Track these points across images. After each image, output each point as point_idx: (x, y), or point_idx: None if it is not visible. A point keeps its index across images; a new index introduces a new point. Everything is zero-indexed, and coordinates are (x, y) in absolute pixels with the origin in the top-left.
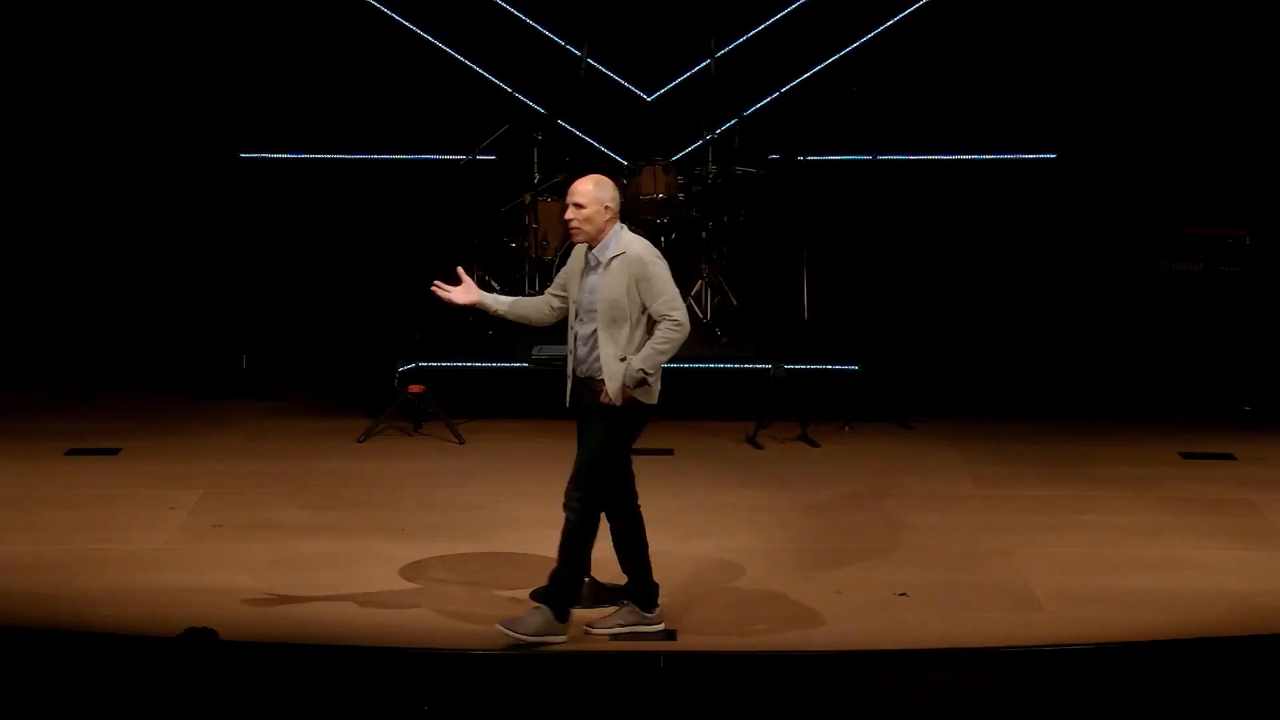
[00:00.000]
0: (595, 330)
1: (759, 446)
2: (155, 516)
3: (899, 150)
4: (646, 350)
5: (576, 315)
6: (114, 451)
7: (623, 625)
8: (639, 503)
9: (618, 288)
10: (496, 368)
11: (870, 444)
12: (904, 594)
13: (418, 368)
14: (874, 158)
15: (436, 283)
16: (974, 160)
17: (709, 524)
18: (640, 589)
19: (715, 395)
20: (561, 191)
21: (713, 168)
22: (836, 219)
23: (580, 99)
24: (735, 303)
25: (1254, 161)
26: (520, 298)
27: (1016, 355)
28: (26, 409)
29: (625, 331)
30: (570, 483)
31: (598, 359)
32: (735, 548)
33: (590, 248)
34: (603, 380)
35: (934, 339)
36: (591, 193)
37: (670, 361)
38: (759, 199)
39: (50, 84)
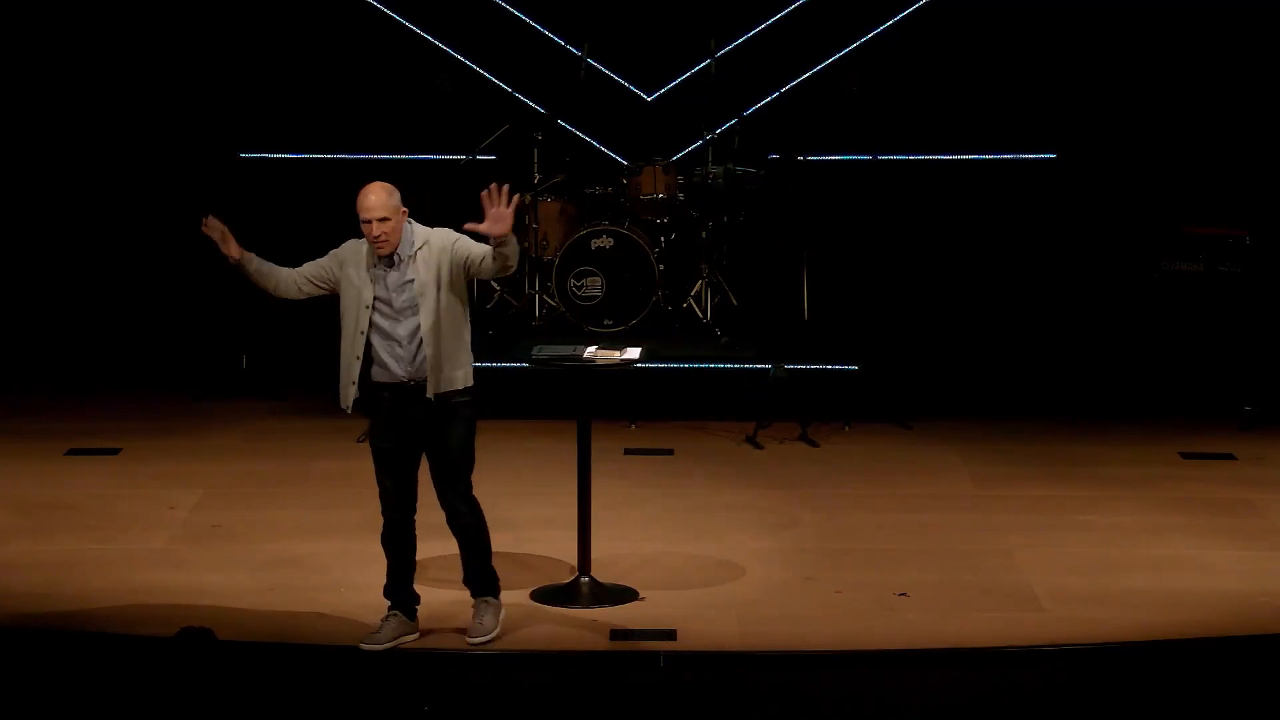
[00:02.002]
0: (418, 327)
1: (759, 446)
2: (155, 516)
3: (899, 150)
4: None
5: (384, 317)
6: (114, 451)
7: (494, 628)
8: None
9: (436, 274)
10: (495, 368)
11: (870, 444)
12: (904, 594)
13: None
14: (874, 158)
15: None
16: (974, 160)
17: (709, 524)
18: (491, 581)
19: (715, 395)
20: (562, 191)
21: (713, 168)
22: (836, 219)
23: (580, 99)
24: (735, 303)
25: (1254, 161)
26: (273, 266)
27: (1016, 355)
28: (26, 409)
29: (463, 312)
30: (442, 498)
31: (426, 357)
32: (735, 548)
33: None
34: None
35: (934, 339)
36: (389, 203)
37: (670, 361)
38: (759, 199)
39: (51, 84)
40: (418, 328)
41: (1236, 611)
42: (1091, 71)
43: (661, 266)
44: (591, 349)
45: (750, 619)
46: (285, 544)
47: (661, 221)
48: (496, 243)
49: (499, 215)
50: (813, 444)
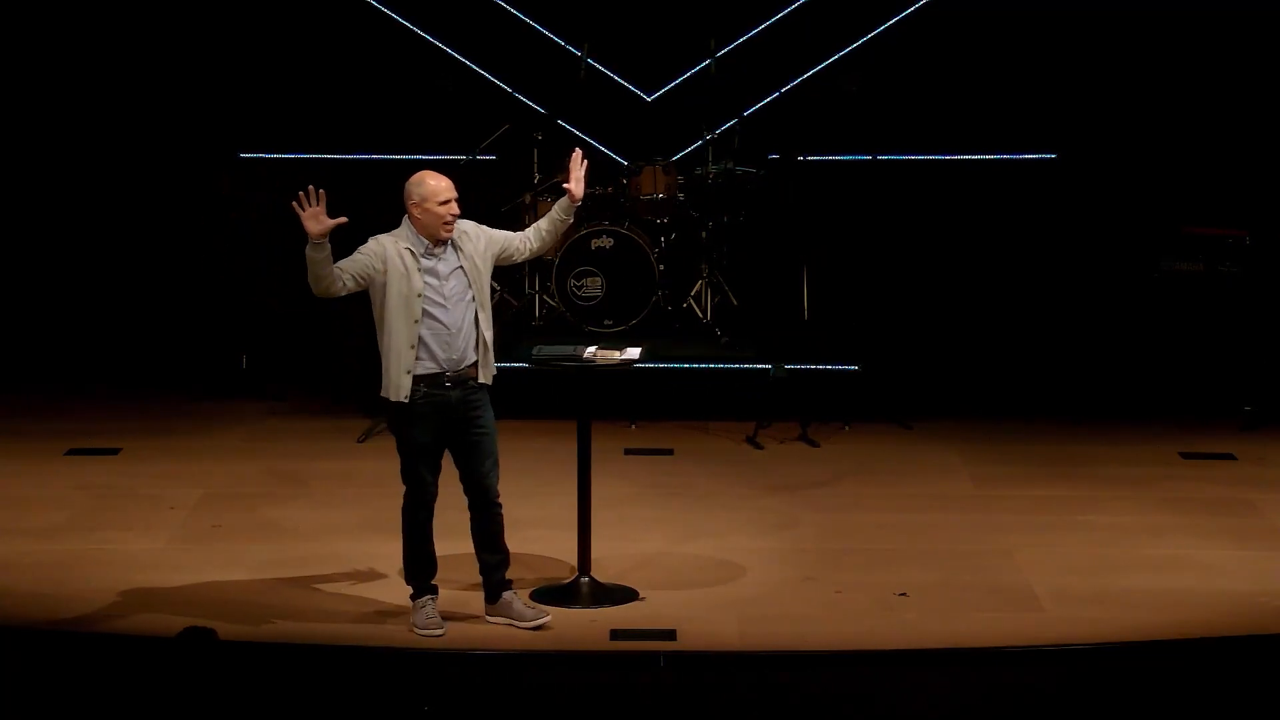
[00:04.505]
0: (465, 314)
1: (759, 446)
2: (155, 516)
3: (899, 150)
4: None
5: (436, 305)
6: (114, 451)
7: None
8: None
9: (484, 260)
10: (495, 367)
11: (870, 444)
12: (904, 594)
13: None
14: (873, 158)
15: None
16: (974, 160)
17: (709, 524)
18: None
19: (715, 395)
20: (562, 191)
21: (713, 168)
22: (836, 219)
23: (580, 99)
24: (735, 303)
25: (1254, 161)
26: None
27: (1016, 355)
28: (26, 409)
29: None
30: (482, 484)
31: (473, 342)
32: (735, 548)
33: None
34: (475, 364)
35: (934, 339)
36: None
37: (671, 361)
38: (759, 199)
39: (51, 84)
40: (465, 314)
41: (1236, 611)
42: (1091, 71)
43: (661, 266)
44: (591, 349)
45: (750, 619)
46: (285, 544)
47: (661, 221)
48: (571, 203)
49: (580, 178)
50: (813, 444)
